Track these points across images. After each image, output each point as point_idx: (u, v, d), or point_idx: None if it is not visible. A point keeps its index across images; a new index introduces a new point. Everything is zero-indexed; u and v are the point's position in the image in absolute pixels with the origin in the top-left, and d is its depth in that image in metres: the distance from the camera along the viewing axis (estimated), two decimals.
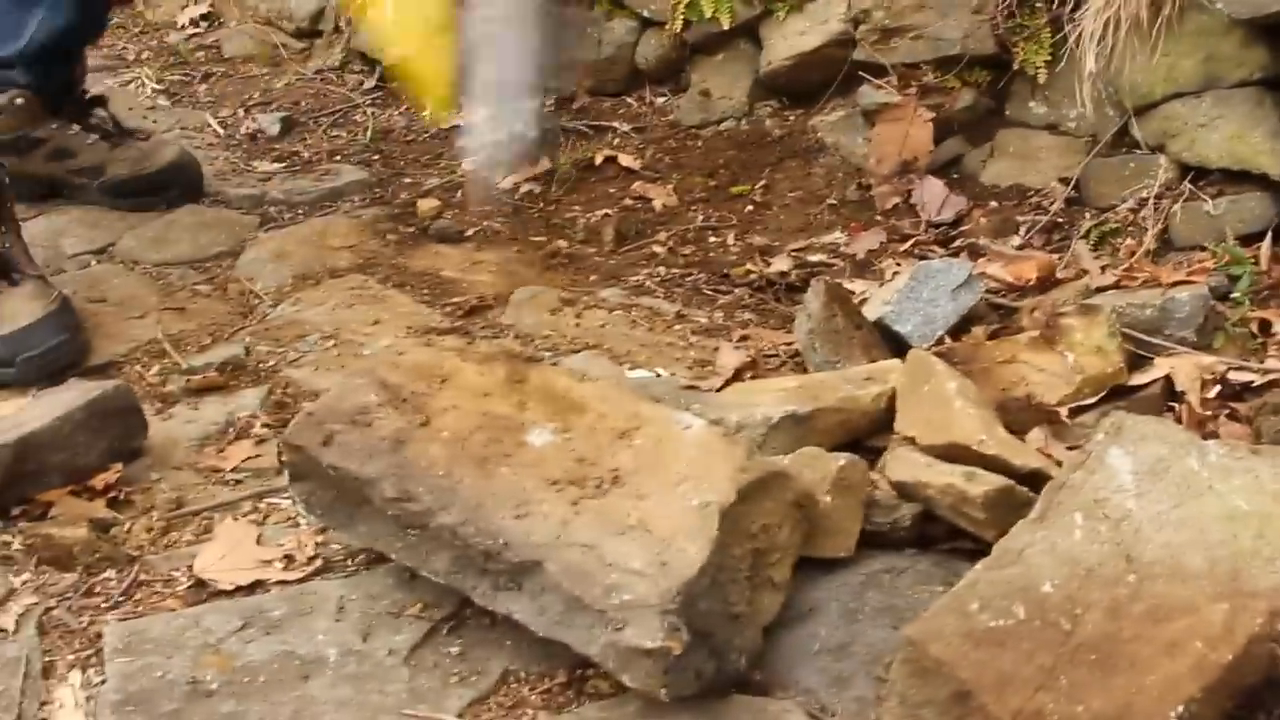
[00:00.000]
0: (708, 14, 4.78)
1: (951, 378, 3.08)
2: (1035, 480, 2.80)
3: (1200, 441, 2.69)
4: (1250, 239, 3.83)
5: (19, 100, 4.23)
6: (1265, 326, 3.54)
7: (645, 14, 5.01)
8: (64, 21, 4.23)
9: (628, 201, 4.48)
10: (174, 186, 4.46)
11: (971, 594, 2.41)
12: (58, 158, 4.35)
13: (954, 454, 2.90)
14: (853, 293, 3.68)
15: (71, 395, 3.16)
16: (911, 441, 3.01)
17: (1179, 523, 2.53)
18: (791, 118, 4.74)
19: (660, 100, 5.02)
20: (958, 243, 4.06)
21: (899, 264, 3.93)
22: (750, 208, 4.41)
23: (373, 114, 5.27)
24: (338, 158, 4.92)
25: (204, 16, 6.24)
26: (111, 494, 3.09)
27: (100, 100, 4.58)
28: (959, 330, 3.51)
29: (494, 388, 2.78)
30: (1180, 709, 2.27)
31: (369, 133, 5.10)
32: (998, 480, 2.78)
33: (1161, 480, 2.59)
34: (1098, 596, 2.42)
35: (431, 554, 2.60)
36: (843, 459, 2.83)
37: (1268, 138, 3.84)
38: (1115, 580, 2.43)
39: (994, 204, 4.21)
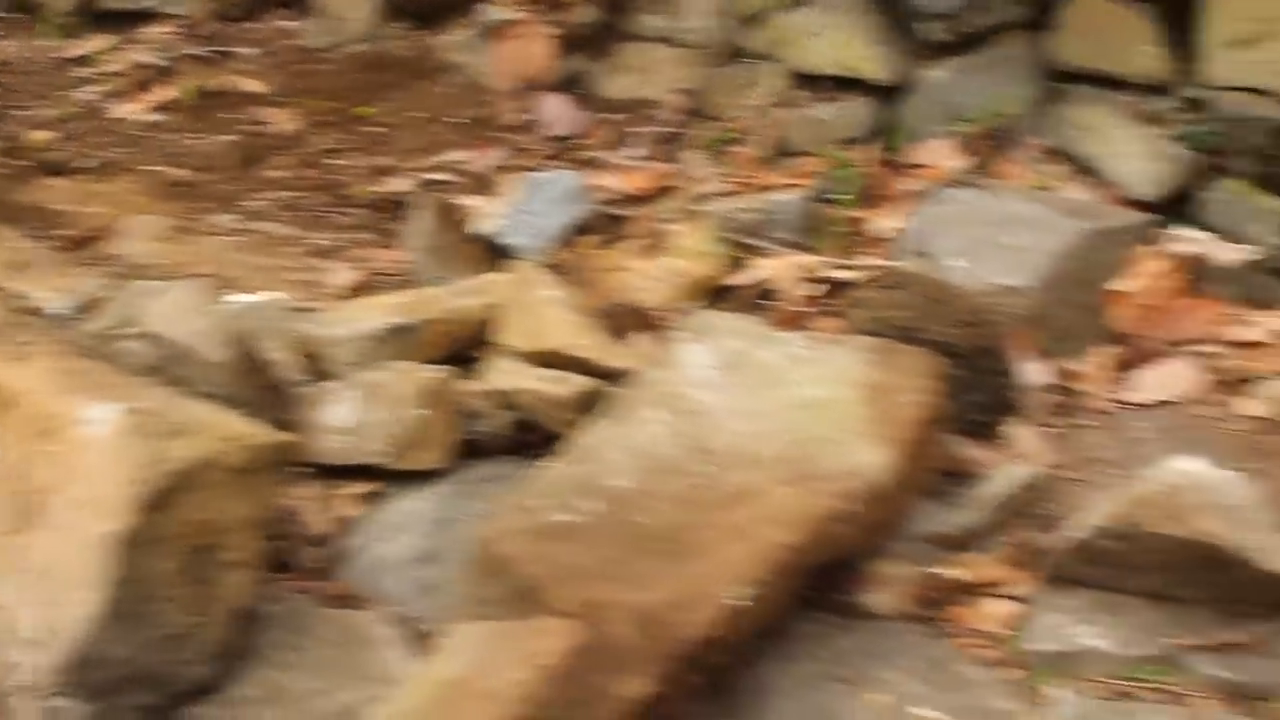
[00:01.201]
0: None
1: (553, 287, 3.13)
2: (623, 380, 2.84)
3: (778, 334, 2.78)
4: (856, 142, 3.94)
5: None
6: (863, 225, 3.65)
7: None
8: None
9: (250, 127, 4.40)
10: None
11: (541, 491, 2.45)
12: None
13: (550, 360, 2.95)
14: (465, 208, 3.68)
15: None
16: (513, 351, 3.04)
17: (754, 413, 2.61)
18: (418, 38, 4.70)
19: (286, 24, 4.93)
20: (577, 157, 4.08)
21: (516, 179, 3.95)
22: (375, 129, 4.38)
23: None
24: None
25: None
26: None
27: None
28: (569, 240, 3.54)
29: None
30: (744, 590, 2.34)
31: None
32: (587, 382, 2.84)
33: (737, 373, 2.66)
34: (671, 487, 2.48)
35: None
36: (432, 370, 2.85)
37: (870, 45, 3.96)
38: (688, 471, 2.50)
39: (614, 117, 4.25)
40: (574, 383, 2.84)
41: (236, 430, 2.42)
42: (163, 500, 2.29)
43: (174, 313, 2.90)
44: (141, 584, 2.28)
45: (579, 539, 2.39)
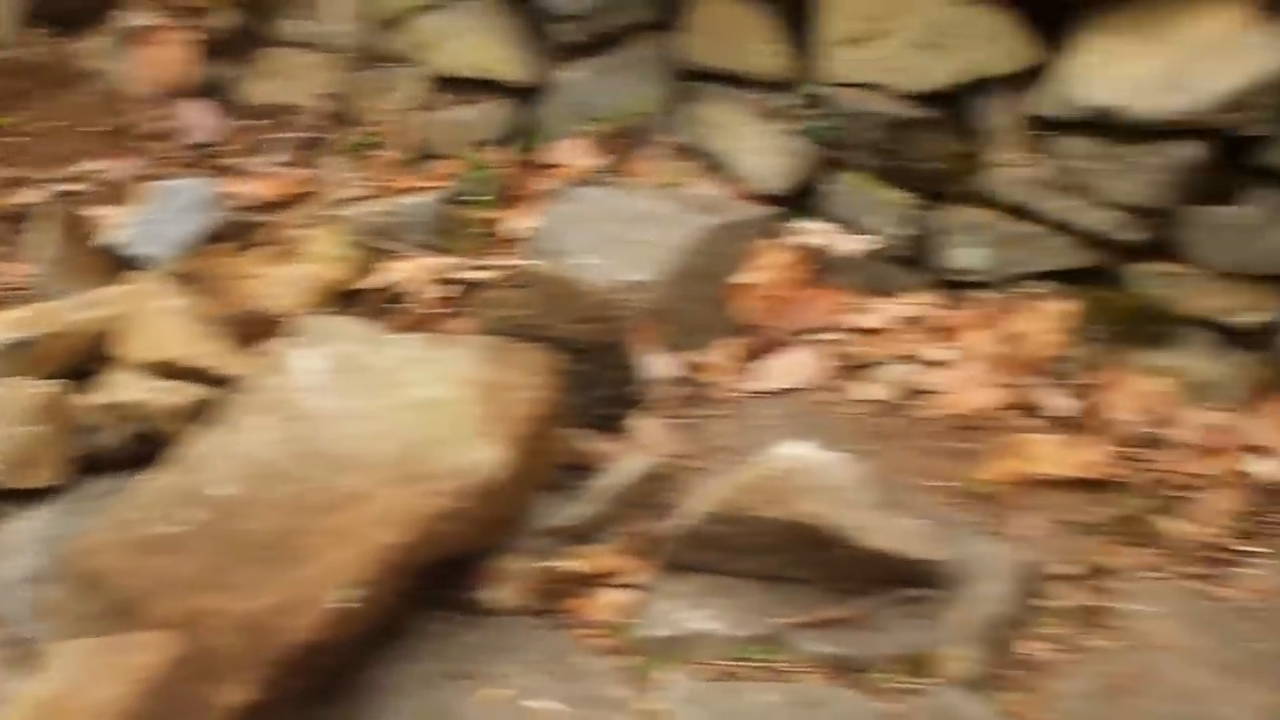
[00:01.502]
0: None
1: (176, 296, 3.09)
2: (237, 387, 2.82)
3: (393, 337, 2.80)
4: (495, 144, 3.98)
5: None
6: (501, 226, 3.69)
7: None
8: None
9: None
10: None
11: (142, 503, 2.43)
12: None
13: (168, 370, 2.92)
14: (93, 219, 3.61)
15: None
16: (132, 362, 3.00)
17: (365, 416, 2.61)
18: (58, 45, 4.59)
19: None
20: (216, 163, 4.04)
21: (146, 188, 3.89)
22: (11, 139, 4.26)
23: None
24: None
25: None
26: None
27: None
28: (201, 249, 3.50)
29: None
30: (347, 592, 2.35)
31: None
32: (201, 391, 2.81)
33: (350, 377, 2.67)
34: (277, 493, 2.47)
35: None
36: (45, 386, 2.80)
37: (506, 47, 4.00)
38: (296, 477, 2.50)
39: (256, 123, 4.22)
40: (189, 392, 2.82)
41: None
42: None
43: None
44: None
45: (180, 549, 2.37)
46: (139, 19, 4.39)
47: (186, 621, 2.26)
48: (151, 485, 2.48)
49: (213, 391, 2.82)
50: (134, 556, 2.35)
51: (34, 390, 2.81)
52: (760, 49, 3.75)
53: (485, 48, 4.03)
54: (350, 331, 2.78)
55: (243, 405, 2.64)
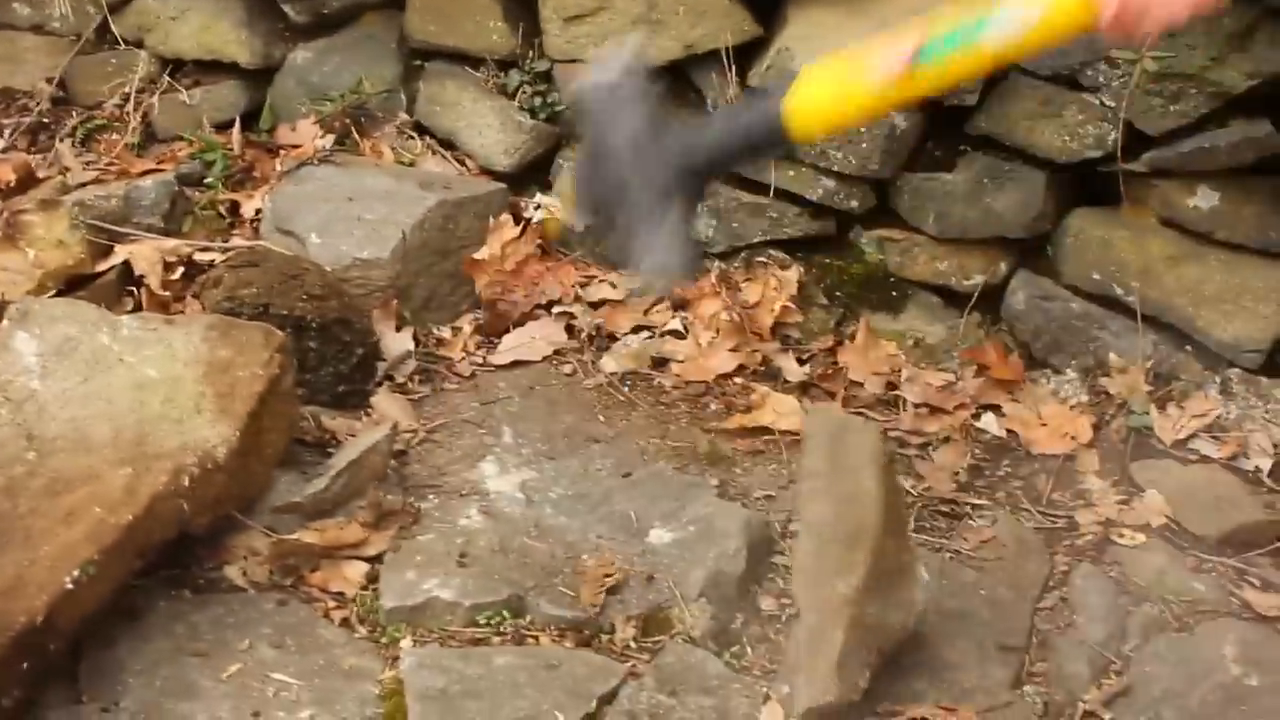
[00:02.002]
0: None
1: None
2: None
3: (113, 318, 2.77)
4: (226, 125, 3.96)
5: None
6: (235, 208, 3.68)
7: None
8: None
9: None
10: None
11: None
12: None
13: None
14: None
15: None
16: None
17: (86, 397, 2.60)
18: None
19: None
20: None
21: None
22: None
23: None
24: None
25: None
26: None
27: None
28: None
29: None
30: (76, 573, 2.34)
31: None
32: None
33: (70, 358, 2.65)
34: (2, 476, 2.45)
35: None
36: None
37: (235, 27, 3.99)
38: (15, 459, 2.48)
39: None
40: None
41: None
42: None
43: None
44: None
45: None
46: None
47: None
48: None
49: None
50: None
51: None
52: (485, 26, 3.80)
53: (213, 28, 4.02)
54: (73, 314, 2.75)
55: None
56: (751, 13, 3.44)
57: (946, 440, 3.15)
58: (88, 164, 3.87)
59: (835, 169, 3.39)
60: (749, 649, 2.64)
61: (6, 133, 4.04)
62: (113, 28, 4.14)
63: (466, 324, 3.43)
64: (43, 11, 4.28)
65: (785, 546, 2.85)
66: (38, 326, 2.69)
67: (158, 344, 2.73)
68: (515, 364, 3.37)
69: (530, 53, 3.75)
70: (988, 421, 3.21)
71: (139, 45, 4.12)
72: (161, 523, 2.51)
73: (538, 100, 3.73)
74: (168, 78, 4.08)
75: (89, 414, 2.58)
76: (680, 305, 3.48)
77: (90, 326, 2.72)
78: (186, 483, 2.54)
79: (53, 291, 3.27)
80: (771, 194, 3.47)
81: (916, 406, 3.24)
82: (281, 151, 3.86)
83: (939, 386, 3.28)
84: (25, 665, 2.30)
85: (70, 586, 2.34)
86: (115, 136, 3.99)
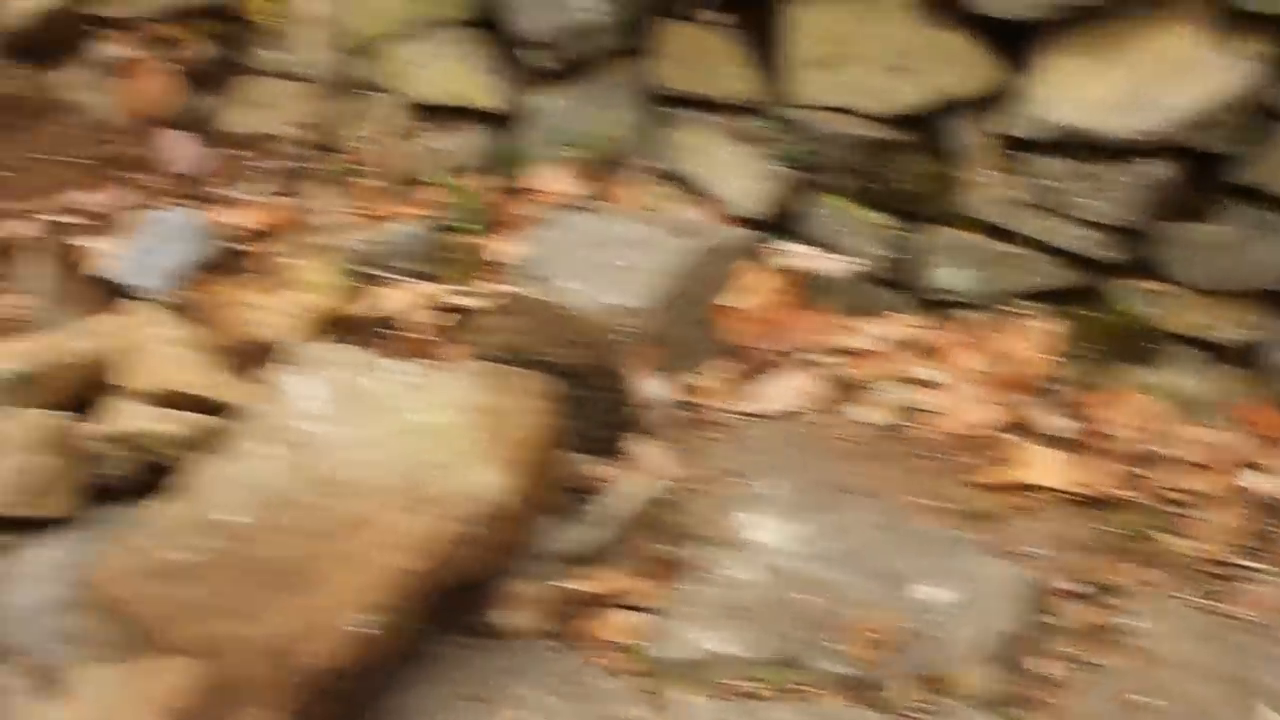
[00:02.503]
0: None
1: (172, 326, 3.13)
2: (240, 416, 2.86)
3: (388, 363, 2.84)
4: (474, 171, 4.03)
5: None
6: (485, 252, 3.75)
7: None
8: None
9: None
10: None
11: (152, 530, 2.46)
12: None
13: (169, 399, 2.95)
14: (84, 250, 3.64)
15: None
16: (133, 392, 3.03)
17: (362, 442, 2.66)
18: (33, 76, 4.60)
19: None
20: (200, 193, 4.07)
21: (138, 219, 3.92)
22: None
23: None
24: None
25: None
26: None
27: None
28: (193, 278, 3.54)
29: None
30: (365, 617, 2.40)
31: None
32: (203, 419, 2.85)
33: (349, 403, 2.72)
34: (286, 520, 2.52)
35: None
36: (51, 417, 2.82)
37: (481, 74, 4.05)
38: (303, 503, 2.54)
39: (238, 153, 4.25)
40: (191, 421, 2.86)
41: None
42: None
43: None
44: None
45: (194, 576, 2.41)
46: (118, 50, 4.41)
47: (206, 648, 2.30)
48: (162, 513, 2.52)
49: (214, 420, 2.86)
50: (151, 583, 2.39)
51: (40, 421, 2.84)
52: (730, 73, 3.81)
53: (459, 75, 4.08)
54: (346, 358, 2.83)
55: (245, 433, 2.68)
56: (1001, 61, 3.42)
57: (1211, 499, 3.10)
58: (341, 208, 3.95)
59: (1090, 218, 3.35)
60: (1029, 712, 2.62)
61: (262, 177, 4.15)
62: (361, 73, 4.22)
63: (717, 372, 3.45)
64: (296, 58, 4.38)
65: (1054, 606, 2.82)
66: (311, 370, 2.76)
67: (430, 389, 2.79)
68: (768, 413, 3.37)
69: (774, 99, 3.76)
70: (1256, 479, 3.15)
71: (387, 90, 4.20)
72: (445, 569, 2.56)
73: (783, 147, 3.73)
74: (415, 122, 4.15)
75: (366, 459, 2.64)
76: (932, 355, 3.47)
77: (365, 371, 2.78)
78: (464, 529, 2.59)
79: (316, 334, 3.34)
80: (1024, 244, 3.44)
81: (1181, 463, 3.19)
82: (529, 197, 3.91)
83: (1204, 443, 3.22)
84: (313, 708, 2.36)
85: (356, 631, 2.40)
86: (366, 181, 4.08)
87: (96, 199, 4.08)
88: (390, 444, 2.64)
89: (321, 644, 2.35)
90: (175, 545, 2.44)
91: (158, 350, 3.06)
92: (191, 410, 2.91)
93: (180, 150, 4.26)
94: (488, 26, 4.06)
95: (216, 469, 2.59)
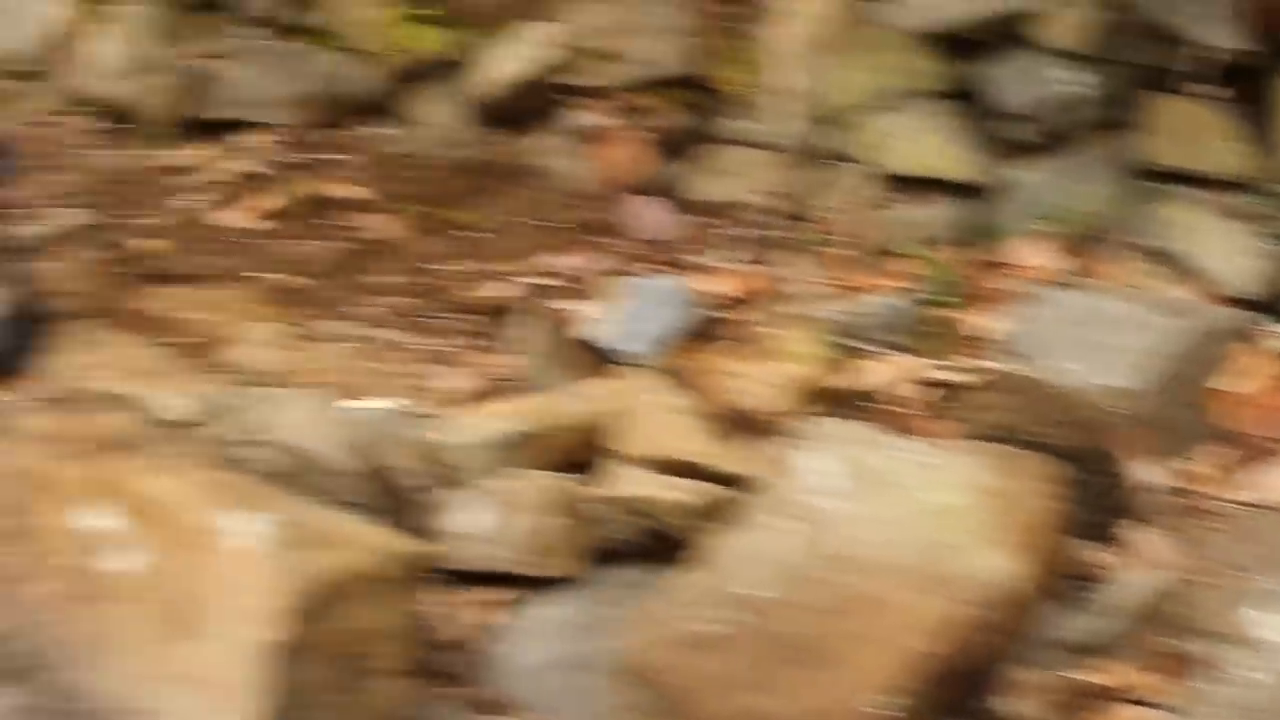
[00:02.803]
0: (418, 44, 4.82)
1: (668, 392, 3.20)
2: (750, 487, 2.90)
3: (898, 441, 2.84)
4: (946, 243, 4.01)
5: None
6: (963, 327, 3.71)
7: (358, 46, 5.01)
8: None
9: (352, 233, 4.49)
10: None
11: (678, 601, 2.51)
12: None
13: (670, 466, 3.01)
14: (571, 314, 3.76)
15: None
16: (633, 457, 3.10)
17: (874, 520, 2.66)
18: (508, 143, 4.79)
19: (380, 130, 5.03)
20: (673, 260, 4.16)
21: (615, 284, 4.03)
22: (473, 234, 4.46)
23: (93, 155, 5.18)
24: (58, 201, 4.83)
25: None
26: None
27: None
28: (673, 345, 3.61)
29: (86, 494, 2.61)
30: (887, 699, 2.39)
31: (90, 175, 5.01)
32: (711, 489, 2.89)
33: (861, 481, 2.72)
34: (803, 596, 2.54)
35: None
36: (564, 479, 2.91)
37: (954, 145, 4.04)
38: (819, 579, 2.56)
39: (707, 220, 4.33)
40: (698, 490, 2.91)
41: (379, 540, 2.48)
42: (315, 610, 2.35)
43: (300, 422, 2.99)
44: (298, 693, 2.33)
45: (720, 649, 2.45)
46: (590, 118, 4.55)
47: None
48: (683, 583, 2.56)
49: (717, 489, 2.90)
50: (678, 654, 2.43)
51: (549, 482, 2.92)
52: (1222, 147, 3.72)
53: (933, 146, 4.07)
54: (854, 434, 2.83)
55: (758, 506, 2.70)
56: None
57: None
58: (814, 278, 3.98)
59: None
60: None
61: (733, 245, 4.21)
62: (831, 143, 4.25)
63: (1212, 458, 3.33)
64: (762, 127, 4.45)
65: None
66: (827, 446, 2.77)
67: (936, 469, 2.77)
68: (1269, 504, 3.23)
69: (1270, 175, 3.63)
70: None
71: (857, 160, 4.21)
72: (959, 653, 2.54)
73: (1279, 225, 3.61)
74: (885, 193, 4.15)
75: (878, 538, 2.63)
76: None
77: (868, 447, 2.79)
78: (977, 614, 2.56)
79: (801, 405, 3.36)
80: None
81: None
82: (1005, 271, 3.87)
83: None
84: None
85: (874, 713, 2.38)
86: (836, 250, 4.09)
87: (571, 263, 4.21)
88: (902, 523, 2.64)
89: None
90: (699, 617, 2.48)
91: (652, 416, 3.12)
92: (690, 478, 2.95)
93: (650, 216, 4.36)
94: (962, 98, 4.04)
95: (733, 541, 2.63)
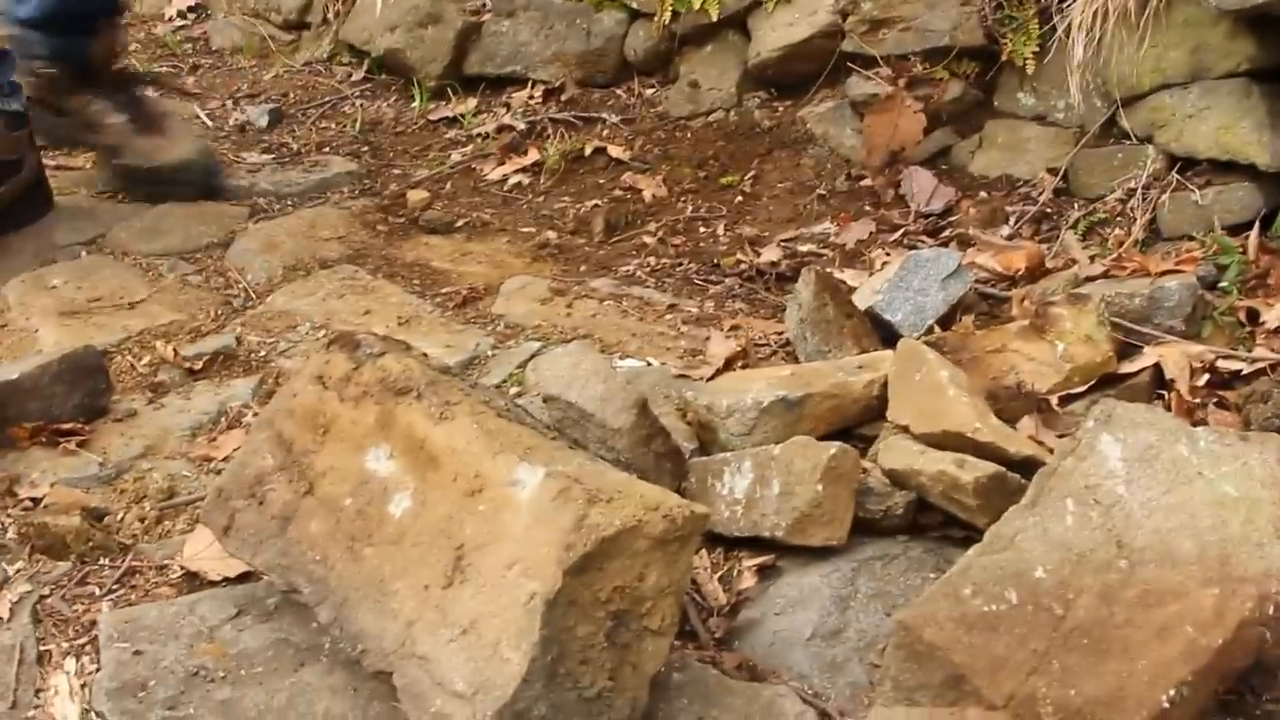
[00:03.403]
0: (696, 5, 4.78)
1: (943, 366, 3.09)
2: (1027, 467, 2.80)
3: (1190, 428, 2.69)
4: (1238, 229, 3.85)
5: (45, 71, 4.28)
6: (1253, 315, 3.55)
7: (634, 5, 5.00)
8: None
9: (617, 192, 4.49)
10: (187, 183, 4.45)
11: (964, 579, 2.42)
12: (87, 129, 4.40)
13: (946, 442, 2.91)
14: (843, 282, 3.68)
15: (40, 358, 3.33)
16: (904, 430, 3.02)
17: (1169, 509, 2.54)
18: (780, 108, 4.74)
19: (649, 91, 5.02)
20: (947, 233, 4.07)
21: (888, 253, 3.95)
22: (739, 198, 4.42)
23: (361, 105, 5.27)
24: (326, 149, 4.92)
25: (191, 9, 6.23)
26: (80, 438, 3.23)
27: (139, 78, 4.65)
28: (948, 319, 3.52)
29: (365, 436, 2.61)
30: (1171, 692, 2.28)
31: (357, 124, 5.10)
32: (989, 467, 2.79)
33: (1152, 467, 2.59)
34: (1089, 582, 2.43)
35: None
36: (833, 448, 2.84)
37: (1255, 129, 3.85)
38: (1106, 565, 2.44)
39: (983, 194, 4.23)
40: (977, 467, 2.80)
41: (655, 499, 2.42)
42: (588, 564, 2.30)
43: (571, 376, 2.95)
44: (566, 646, 2.29)
45: (1002, 630, 2.35)
46: (868, 86, 4.46)
47: (1014, 704, 2.24)
48: (967, 561, 2.47)
49: (999, 469, 2.79)
50: (961, 632, 2.34)
51: (820, 451, 2.85)
52: None
53: (1234, 129, 3.89)
54: (1152, 420, 2.69)
55: (1047, 488, 2.59)
56: None
57: None
58: (1094, 258, 3.84)
59: None
60: None
61: (1011, 220, 4.09)
62: (1121, 121, 4.10)
63: None
64: (1048, 102, 4.32)
65: None
66: (1120, 430, 2.65)
67: (1233, 460, 2.63)
68: None
69: None
70: None
71: (1147, 140, 4.05)
72: (1243, 649, 2.40)
73: None
74: (1176, 175, 3.98)
75: (1171, 526, 2.51)
76: None
77: (1168, 435, 2.65)
78: (1271, 610, 2.42)
79: (1082, 388, 3.24)
80: None
81: None
82: None
83: None
84: None
85: (1165, 705, 2.27)
86: (1119, 231, 3.95)
87: (842, 231, 4.14)
88: (1195, 512, 2.51)
89: (1127, 715, 2.24)
90: (987, 596, 2.38)
91: (927, 390, 3.03)
92: (968, 454, 2.85)
93: (924, 188, 4.27)
94: (1269, 78, 3.85)
95: (1019, 521, 2.52)
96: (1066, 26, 4.10)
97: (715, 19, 4.76)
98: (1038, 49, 4.27)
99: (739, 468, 2.92)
